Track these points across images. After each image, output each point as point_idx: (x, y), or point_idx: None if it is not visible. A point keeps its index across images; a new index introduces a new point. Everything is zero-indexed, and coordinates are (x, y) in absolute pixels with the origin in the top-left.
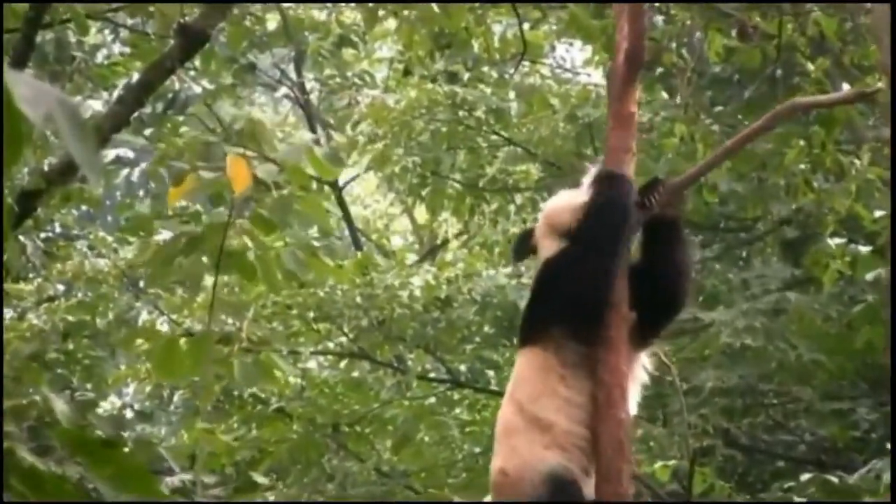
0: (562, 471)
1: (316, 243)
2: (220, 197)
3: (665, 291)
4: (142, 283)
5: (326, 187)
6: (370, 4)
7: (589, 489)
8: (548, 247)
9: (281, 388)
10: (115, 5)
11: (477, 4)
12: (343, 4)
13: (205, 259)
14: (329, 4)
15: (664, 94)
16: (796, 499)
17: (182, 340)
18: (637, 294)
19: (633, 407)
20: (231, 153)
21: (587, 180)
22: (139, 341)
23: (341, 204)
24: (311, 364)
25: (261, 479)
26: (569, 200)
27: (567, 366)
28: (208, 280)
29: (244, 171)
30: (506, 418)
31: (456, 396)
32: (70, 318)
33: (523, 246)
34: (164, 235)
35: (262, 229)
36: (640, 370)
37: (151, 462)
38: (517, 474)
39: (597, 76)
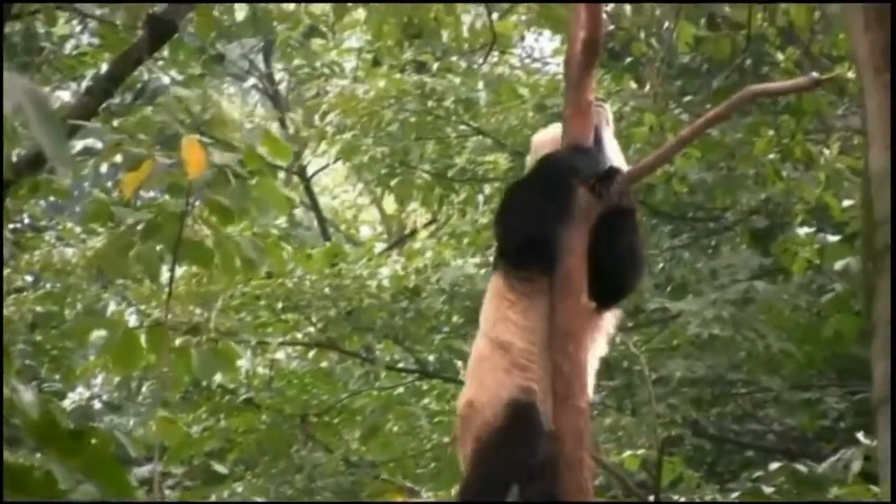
0: (521, 395)
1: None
2: (177, 186)
3: (610, 277)
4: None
5: (295, 177)
6: None
7: (546, 408)
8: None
9: (249, 378)
10: None
11: None
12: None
13: (160, 248)
14: None
15: (633, 84)
16: (765, 488)
17: (139, 332)
18: (589, 278)
19: (595, 359)
20: (187, 137)
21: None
22: (100, 332)
23: (310, 194)
24: (280, 354)
25: (221, 468)
26: (553, 132)
27: (514, 291)
28: (177, 271)
29: (199, 154)
30: (475, 347)
31: (424, 386)
32: (38, 308)
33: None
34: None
35: (220, 217)
36: (605, 322)
37: (120, 452)
38: (481, 404)
39: None
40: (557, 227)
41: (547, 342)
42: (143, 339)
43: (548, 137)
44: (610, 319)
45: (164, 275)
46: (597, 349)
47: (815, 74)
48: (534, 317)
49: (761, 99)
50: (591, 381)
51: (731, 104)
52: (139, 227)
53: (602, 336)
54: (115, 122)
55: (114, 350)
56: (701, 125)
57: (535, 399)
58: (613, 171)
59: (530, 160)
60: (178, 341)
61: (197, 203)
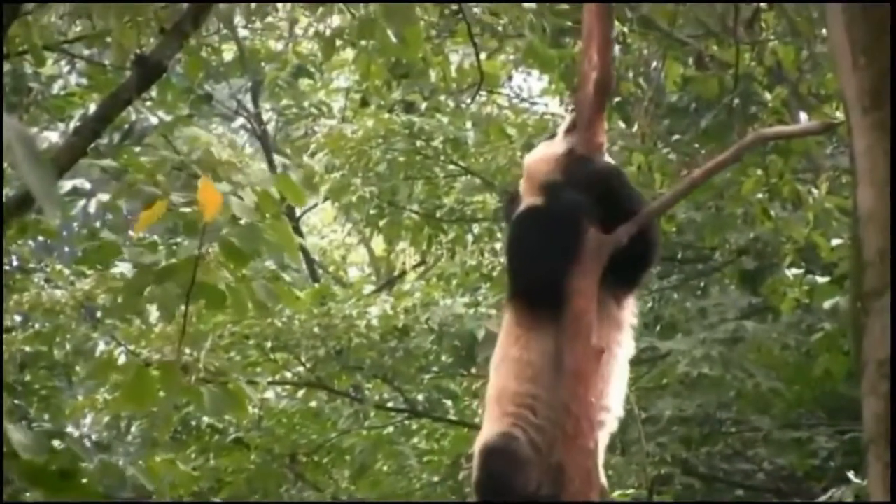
0: (497, 441)
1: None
2: (189, 225)
3: (628, 255)
4: (99, 314)
5: (283, 217)
6: (327, 34)
7: (545, 440)
8: (527, 202)
9: (239, 418)
10: (71, 37)
11: (434, 34)
12: (300, 34)
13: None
14: (286, 34)
15: (621, 124)
16: None
17: (150, 371)
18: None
19: (625, 361)
20: (203, 179)
21: (562, 129)
22: (83, 372)
23: (298, 234)
24: (269, 394)
25: None
26: (546, 151)
27: (520, 326)
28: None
29: (215, 196)
30: (488, 392)
31: (414, 426)
32: (27, 348)
33: (511, 206)
34: (121, 268)
35: (233, 259)
36: (626, 316)
37: (110, 490)
38: (475, 454)
39: (554, 105)
40: (566, 270)
41: (548, 371)
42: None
43: (540, 158)
44: (631, 311)
45: (154, 314)
46: (624, 350)
47: (830, 120)
48: (535, 349)
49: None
50: (621, 387)
51: (742, 147)
52: (153, 270)
53: (627, 334)
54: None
55: (128, 390)
56: (712, 168)
57: (515, 444)
58: (625, 210)
59: (524, 184)
60: (189, 380)
61: (211, 246)
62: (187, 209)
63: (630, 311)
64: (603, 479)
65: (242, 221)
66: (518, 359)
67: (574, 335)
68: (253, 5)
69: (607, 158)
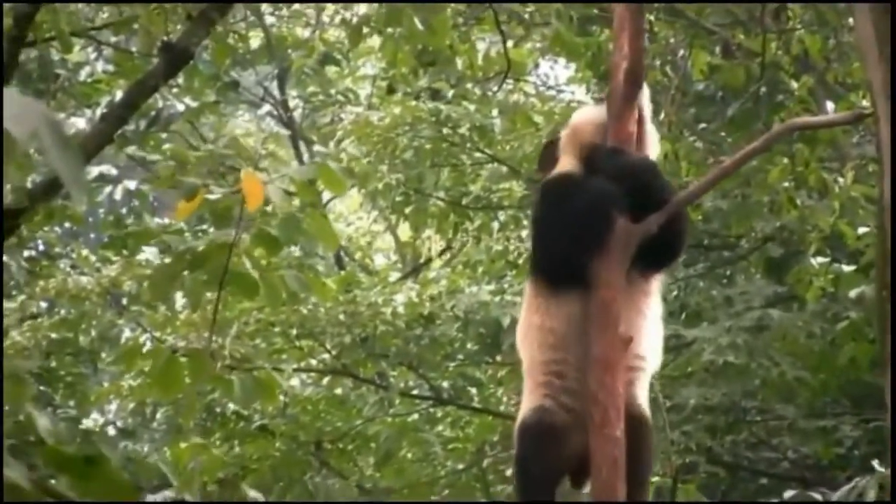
0: (530, 417)
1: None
2: (219, 214)
3: (657, 240)
4: (125, 301)
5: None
6: (354, 21)
7: (577, 405)
8: (564, 163)
9: (264, 405)
10: (98, 23)
11: (461, 22)
12: (327, 22)
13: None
14: (313, 22)
15: None
16: None
17: (180, 358)
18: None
19: (657, 324)
20: (245, 171)
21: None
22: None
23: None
24: (294, 381)
25: (253, 492)
26: (595, 115)
27: (542, 296)
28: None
29: (258, 187)
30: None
31: (439, 413)
32: (53, 335)
33: (548, 156)
34: (147, 254)
35: (266, 247)
36: (654, 286)
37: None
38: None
39: (580, 93)
40: (590, 259)
41: (571, 335)
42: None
43: (590, 120)
44: (658, 282)
45: (179, 301)
46: (654, 310)
47: (861, 110)
48: (556, 315)
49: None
50: (657, 340)
51: (772, 137)
52: (188, 256)
53: (656, 300)
54: (130, 149)
55: (157, 376)
56: (742, 157)
57: (546, 416)
58: (655, 202)
59: (565, 139)
60: (215, 367)
61: (241, 234)
62: (213, 196)
63: (657, 282)
64: (645, 409)
65: (278, 210)
66: (540, 327)
67: (602, 325)
68: None
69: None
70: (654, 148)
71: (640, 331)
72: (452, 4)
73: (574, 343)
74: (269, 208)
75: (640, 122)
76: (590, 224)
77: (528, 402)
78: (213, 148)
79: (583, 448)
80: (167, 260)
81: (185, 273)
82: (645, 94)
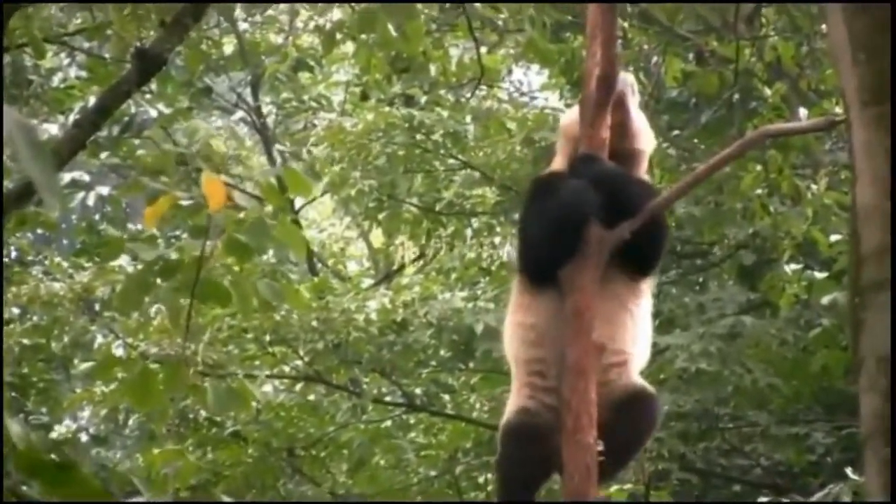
0: (512, 419)
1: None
2: (197, 225)
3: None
4: (97, 307)
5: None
6: (327, 27)
7: (552, 403)
8: (556, 162)
9: (237, 412)
10: (71, 29)
11: (435, 28)
12: (301, 28)
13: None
14: (286, 28)
15: None
16: None
17: (154, 367)
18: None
19: (647, 320)
20: (206, 174)
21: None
22: (85, 364)
23: (297, 227)
24: (267, 388)
25: (226, 498)
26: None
27: (525, 294)
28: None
29: (220, 189)
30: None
31: (412, 420)
32: (25, 341)
33: (549, 155)
34: (120, 261)
35: (237, 255)
36: (641, 300)
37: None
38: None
39: (554, 100)
40: (564, 257)
41: (551, 333)
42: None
43: (574, 120)
44: (646, 282)
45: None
46: (642, 311)
47: (833, 116)
48: (537, 311)
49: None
50: (645, 333)
51: (745, 143)
52: (159, 264)
53: (645, 299)
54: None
55: (133, 387)
56: (715, 163)
57: (528, 417)
58: (628, 210)
59: (558, 141)
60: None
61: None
62: (186, 202)
63: (647, 283)
64: (643, 385)
65: (245, 216)
66: (522, 323)
67: (576, 331)
68: None
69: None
70: (645, 137)
71: (625, 325)
72: (426, 12)
73: (553, 341)
74: (242, 215)
75: (625, 113)
76: (562, 226)
77: (512, 403)
78: (182, 150)
79: (557, 450)
80: (139, 267)
81: (158, 282)
82: (628, 83)
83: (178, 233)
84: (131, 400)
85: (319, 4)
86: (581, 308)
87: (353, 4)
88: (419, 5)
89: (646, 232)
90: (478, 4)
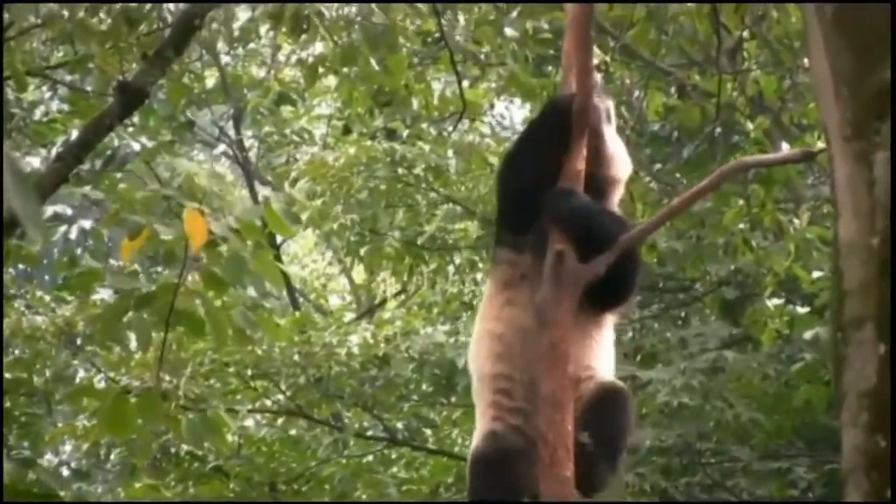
0: (480, 447)
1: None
2: (169, 253)
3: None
4: (79, 341)
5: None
6: (309, 61)
7: (520, 425)
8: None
9: (218, 445)
10: (54, 62)
11: (417, 62)
12: (283, 61)
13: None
14: (268, 61)
15: None
16: None
17: (129, 397)
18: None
19: (609, 342)
20: (189, 208)
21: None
22: (86, 400)
23: (279, 262)
24: (249, 422)
25: None
26: None
27: (498, 298)
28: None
29: (202, 226)
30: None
31: (394, 455)
32: (7, 375)
33: None
34: (102, 294)
35: (214, 287)
36: (603, 332)
37: None
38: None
39: None
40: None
41: (518, 346)
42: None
43: None
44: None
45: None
46: (606, 339)
47: (809, 148)
48: (507, 320)
49: None
50: (608, 356)
51: (722, 175)
52: (133, 297)
53: (608, 329)
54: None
55: (105, 415)
56: (691, 196)
57: (497, 443)
58: (602, 245)
59: None
60: (169, 407)
61: (192, 274)
62: (167, 237)
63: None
64: (615, 381)
65: (224, 249)
66: (490, 332)
67: (551, 364)
68: (236, 32)
69: None
70: (620, 164)
71: (591, 349)
72: (408, 46)
73: (520, 357)
74: (222, 248)
75: (599, 139)
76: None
77: (479, 428)
78: (159, 189)
79: (527, 476)
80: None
81: (134, 313)
82: (603, 108)
83: (160, 269)
84: (105, 429)
85: (302, 37)
86: (557, 340)
87: (335, 37)
88: (401, 39)
89: (618, 267)
90: (459, 38)
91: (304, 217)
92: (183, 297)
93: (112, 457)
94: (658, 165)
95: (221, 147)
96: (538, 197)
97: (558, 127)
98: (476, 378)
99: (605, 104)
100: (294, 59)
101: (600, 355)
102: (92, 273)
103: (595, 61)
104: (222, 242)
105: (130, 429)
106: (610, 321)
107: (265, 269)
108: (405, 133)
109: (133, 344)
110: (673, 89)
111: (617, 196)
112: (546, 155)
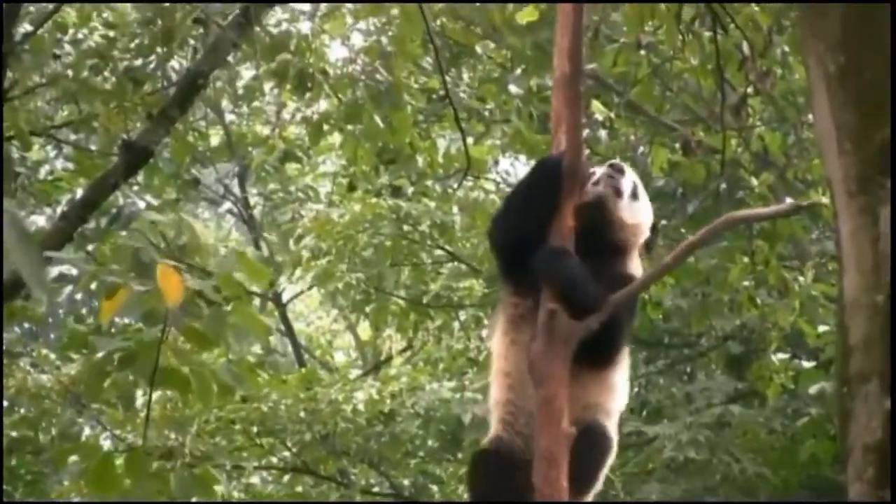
0: (486, 444)
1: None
2: (153, 313)
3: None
4: (84, 400)
5: (270, 304)
6: (314, 118)
7: (521, 445)
8: None
9: None
10: (58, 122)
11: (421, 119)
12: (287, 119)
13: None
14: (273, 119)
15: None
16: None
17: (118, 456)
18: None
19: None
20: (162, 264)
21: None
22: (73, 458)
23: (285, 320)
24: (255, 479)
25: None
26: None
27: (507, 337)
28: (154, 395)
29: (176, 282)
30: None
31: None
32: (13, 433)
33: None
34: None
35: (197, 343)
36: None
37: None
38: None
39: None
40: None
41: (521, 382)
42: (119, 463)
43: None
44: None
45: (140, 399)
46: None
47: (795, 201)
48: (512, 360)
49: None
50: (622, 395)
51: (712, 229)
52: (116, 356)
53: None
54: (90, 247)
55: (91, 475)
56: (683, 251)
57: (500, 444)
58: (579, 311)
59: None
60: (154, 465)
61: (173, 330)
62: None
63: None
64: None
65: (204, 306)
66: (500, 370)
67: (546, 419)
68: (240, 90)
69: None
70: (633, 230)
71: (600, 385)
72: (413, 103)
73: (522, 389)
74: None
75: (607, 212)
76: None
77: (488, 436)
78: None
79: (521, 479)
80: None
81: (117, 372)
82: (612, 184)
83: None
84: (91, 488)
85: (307, 95)
86: (551, 397)
87: (339, 95)
88: (406, 97)
89: (604, 326)
90: (464, 95)
91: (309, 276)
92: (167, 353)
93: None
94: (663, 221)
95: (227, 205)
96: (528, 253)
97: (548, 185)
98: (492, 408)
99: (619, 180)
100: (299, 116)
101: (599, 398)
102: (77, 336)
103: (600, 117)
104: (199, 298)
105: (117, 488)
106: (619, 363)
107: (246, 322)
108: (410, 190)
109: (139, 402)
110: (677, 145)
111: (629, 258)
112: (534, 213)
